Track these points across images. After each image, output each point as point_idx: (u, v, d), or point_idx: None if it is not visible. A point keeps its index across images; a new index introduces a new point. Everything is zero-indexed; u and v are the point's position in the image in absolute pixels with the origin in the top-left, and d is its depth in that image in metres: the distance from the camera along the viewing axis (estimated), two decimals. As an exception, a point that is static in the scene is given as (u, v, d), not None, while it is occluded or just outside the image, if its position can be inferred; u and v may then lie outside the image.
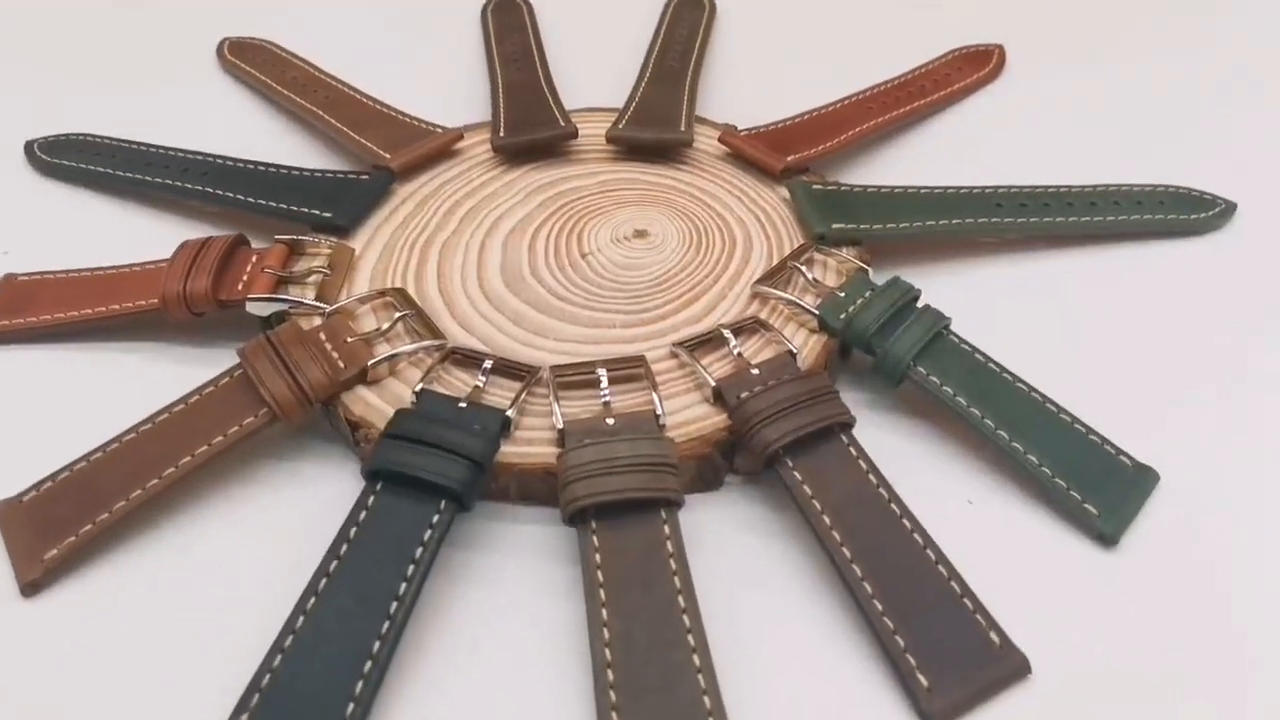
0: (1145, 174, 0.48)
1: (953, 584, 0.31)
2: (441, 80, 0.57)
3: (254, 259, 0.40)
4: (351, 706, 0.28)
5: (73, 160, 0.50)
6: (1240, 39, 0.59)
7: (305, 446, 0.37)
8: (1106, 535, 0.33)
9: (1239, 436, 0.37)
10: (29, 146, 0.51)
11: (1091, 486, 0.34)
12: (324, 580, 0.31)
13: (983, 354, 0.37)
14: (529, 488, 0.35)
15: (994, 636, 0.30)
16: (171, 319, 0.39)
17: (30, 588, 0.32)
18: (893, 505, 0.33)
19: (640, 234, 0.43)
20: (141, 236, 0.46)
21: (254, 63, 0.56)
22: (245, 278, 0.40)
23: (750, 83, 0.56)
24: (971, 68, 0.56)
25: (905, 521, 0.32)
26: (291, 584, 0.31)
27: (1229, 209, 0.46)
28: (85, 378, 0.40)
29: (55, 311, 0.41)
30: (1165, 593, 0.32)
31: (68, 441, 0.35)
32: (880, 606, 0.30)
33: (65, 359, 0.41)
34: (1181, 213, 0.46)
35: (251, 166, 0.46)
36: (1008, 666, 0.30)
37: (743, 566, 0.33)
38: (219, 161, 0.47)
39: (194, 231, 0.44)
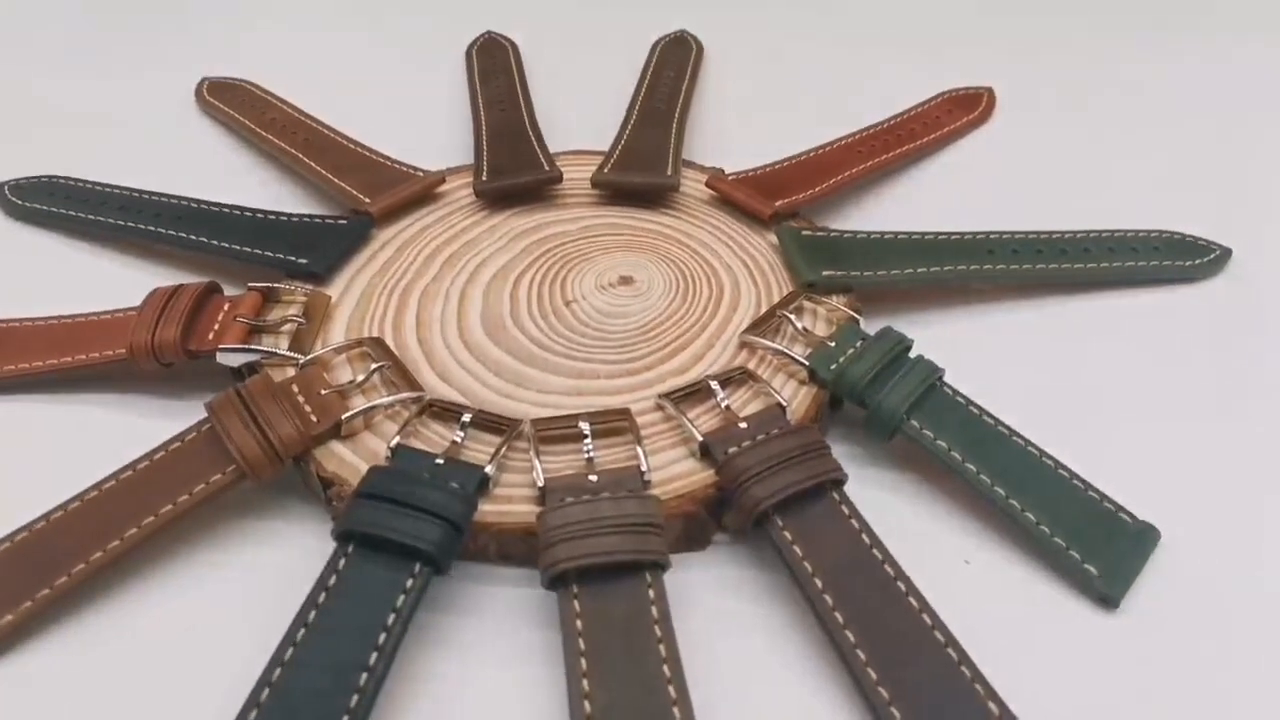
0: (1139, 219, 0.47)
1: (949, 650, 0.30)
2: (424, 122, 0.56)
3: (226, 307, 0.39)
4: (317, 787, 0.27)
5: (44, 204, 0.49)
6: (1232, 83, 0.59)
7: (277, 504, 0.36)
8: (1108, 597, 0.32)
9: (1240, 490, 0.36)
10: None
11: (1091, 546, 0.33)
12: (290, 649, 0.29)
13: (977, 406, 0.36)
14: (508, 547, 0.33)
15: (993, 707, 0.29)
16: (140, 370, 0.38)
17: (-18, 656, 0.31)
18: (887, 567, 0.32)
19: (625, 281, 0.42)
20: (114, 283, 0.44)
21: (233, 103, 0.55)
22: (217, 327, 0.38)
23: (738, 125, 0.56)
24: (962, 110, 0.55)
25: (900, 584, 0.31)
26: (259, 651, 0.30)
27: (1224, 255, 0.46)
28: (49, 432, 0.38)
29: (19, 362, 0.40)
30: (1168, 656, 0.31)
31: (27, 500, 0.34)
32: (875, 675, 0.29)
33: (29, 412, 0.39)
34: (1176, 259, 0.45)
35: (226, 210, 0.45)
36: (1008, 739, 0.28)
37: (731, 630, 0.32)
38: (193, 205, 0.46)
39: (168, 278, 0.43)
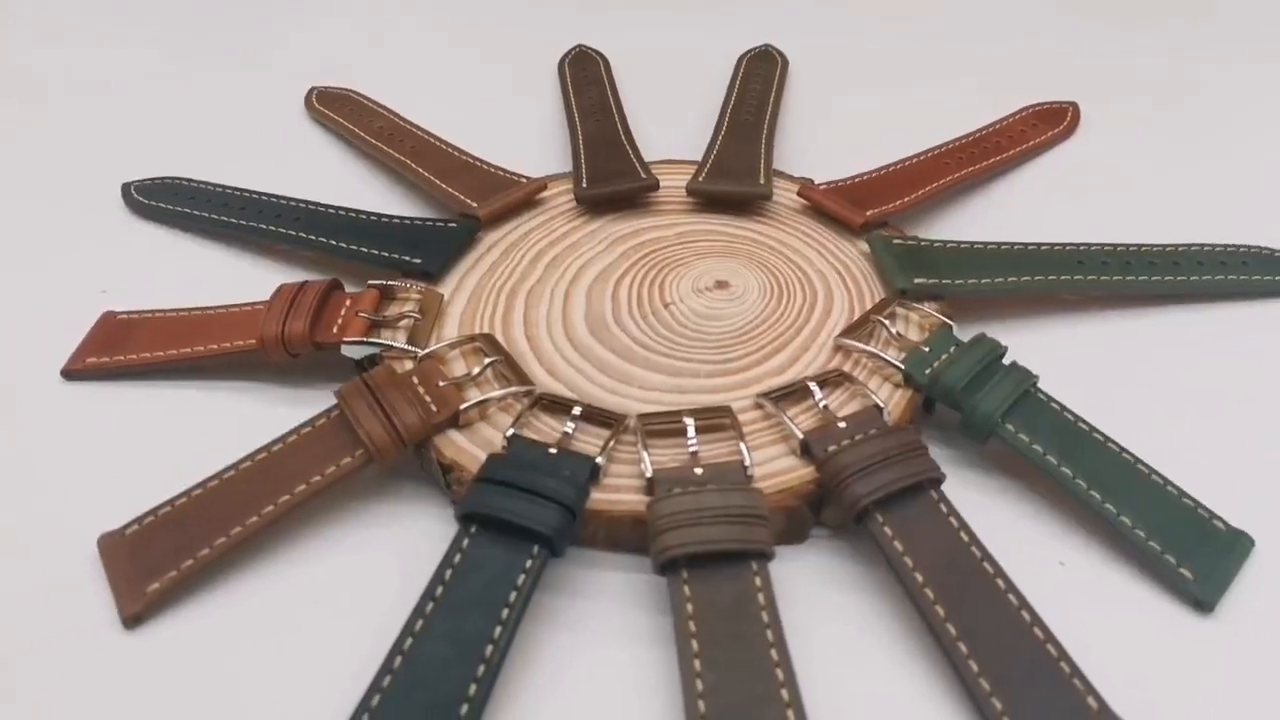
0: (1227, 234, 0.47)
1: (1049, 647, 0.31)
2: (517, 131, 0.58)
3: (348, 303, 0.41)
4: (449, 749, 0.29)
5: (167, 203, 0.52)
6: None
7: (395, 488, 0.38)
8: (1203, 601, 0.33)
9: (1335, 502, 0.36)
10: (125, 189, 0.53)
11: (1186, 551, 0.34)
12: (420, 621, 0.31)
13: (1071, 413, 0.37)
14: (616, 534, 0.35)
15: (1091, 701, 0.30)
16: (268, 359, 0.41)
17: (132, 620, 0.33)
18: (985, 564, 0.33)
19: (721, 285, 0.44)
20: (232, 278, 0.47)
21: (342, 112, 0.58)
22: (340, 321, 0.41)
23: (823, 137, 0.57)
24: (1047, 124, 0.56)
25: (999, 581, 0.32)
26: (384, 624, 0.32)
27: (1314, 270, 0.46)
28: (181, 415, 0.41)
29: (154, 350, 0.42)
30: (1261, 659, 0.32)
31: (164, 477, 0.36)
32: (976, 668, 0.30)
33: (161, 396, 0.42)
34: (1264, 274, 0.45)
35: (342, 212, 0.48)
36: (1107, 733, 0.29)
37: (831, 622, 0.33)
38: (310, 207, 0.49)
39: (283, 275, 0.46)
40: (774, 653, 0.30)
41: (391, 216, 0.47)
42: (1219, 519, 0.35)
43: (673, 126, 0.56)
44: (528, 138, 0.57)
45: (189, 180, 0.53)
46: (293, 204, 0.49)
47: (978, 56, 0.65)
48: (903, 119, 0.58)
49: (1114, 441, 0.36)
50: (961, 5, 0.70)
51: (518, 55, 0.65)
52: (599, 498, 0.35)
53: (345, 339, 0.40)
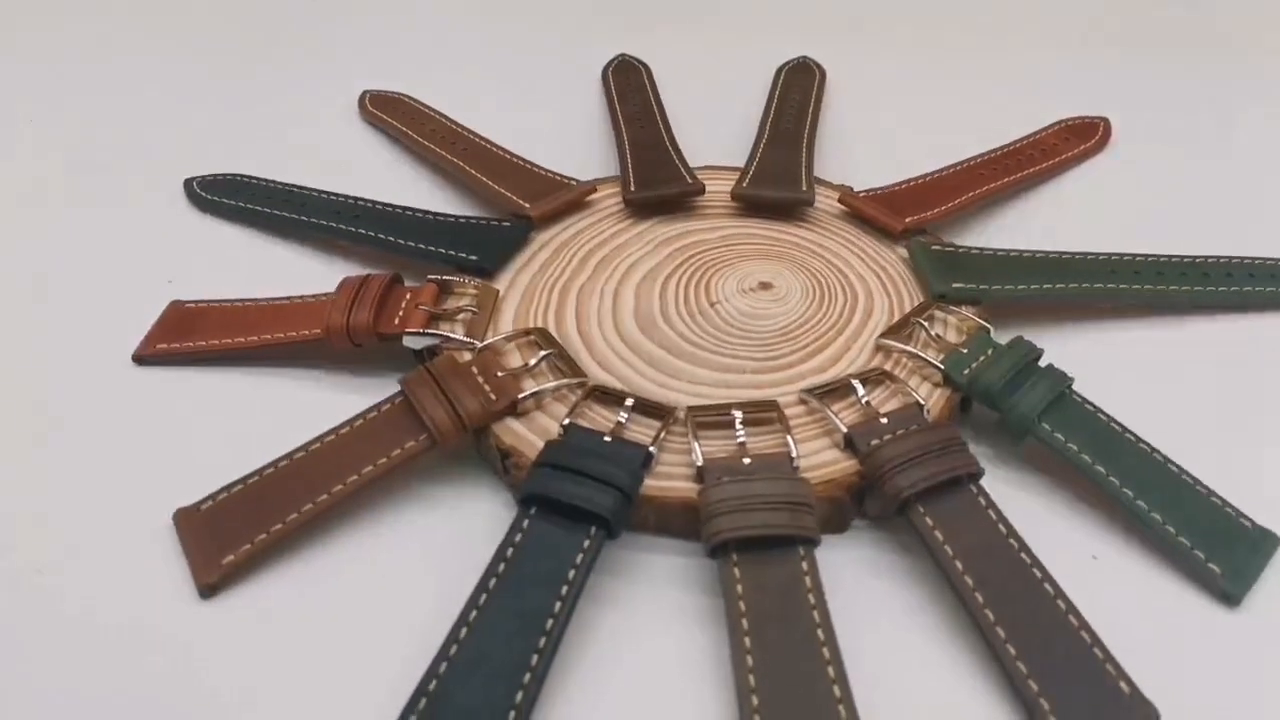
0: (1254, 248, 0.49)
1: (1083, 634, 0.32)
2: (561, 136, 0.60)
3: (408, 296, 0.43)
4: (513, 715, 0.30)
5: (229, 198, 0.54)
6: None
7: (453, 472, 0.40)
8: (1230, 595, 0.34)
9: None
10: (188, 184, 0.55)
11: (1214, 547, 0.35)
12: (484, 595, 0.33)
13: (1105, 414, 0.39)
14: (667, 520, 0.37)
15: (1124, 686, 0.31)
16: (333, 348, 0.42)
17: (208, 590, 0.35)
18: (1023, 555, 0.34)
19: (765, 286, 0.45)
20: (291, 271, 0.49)
21: (395, 115, 0.60)
22: (401, 313, 0.43)
23: (859, 147, 0.59)
24: (1078, 139, 0.58)
25: (1035, 571, 0.34)
26: (447, 598, 0.33)
27: (1345, 284, 0.47)
28: (248, 399, 0.43)
29: (222, 337, 0.44)
30: (1292, 654, 0.33)
31: (234, 457, 0.38)
32: (1014, 651, 0.32)
33: (228, 381, 0.44)
34: (1294, 286, 0.47)
35: (399, 210, 0.50)
36: (1138, 715, 0.31)
37: (873, 607, 0.35)
38: (367, 204, 0.51)
39: (341, 269, 0.48)
40: (820, 633, 0.32)
41: (448, 215, 0.49)
42: (1246, 518, 0.36)
43: (713, 134, 0.58)
44: (573, 143, 0.59)
45: (250, 177, 0.55)
46: (351, 201, 0.51)
47: (1010, 71, 0.66)
48: (937, 131, 0.59)
49: (1146, 442, 0.38)
50: (994, 21, 0.72)
51: (562, 63, 0.67)
52: (651, 484, 0.36)
53: (407, 330, 0.42)
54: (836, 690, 0.31)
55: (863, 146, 0.59)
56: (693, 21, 0.73)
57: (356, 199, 0.51)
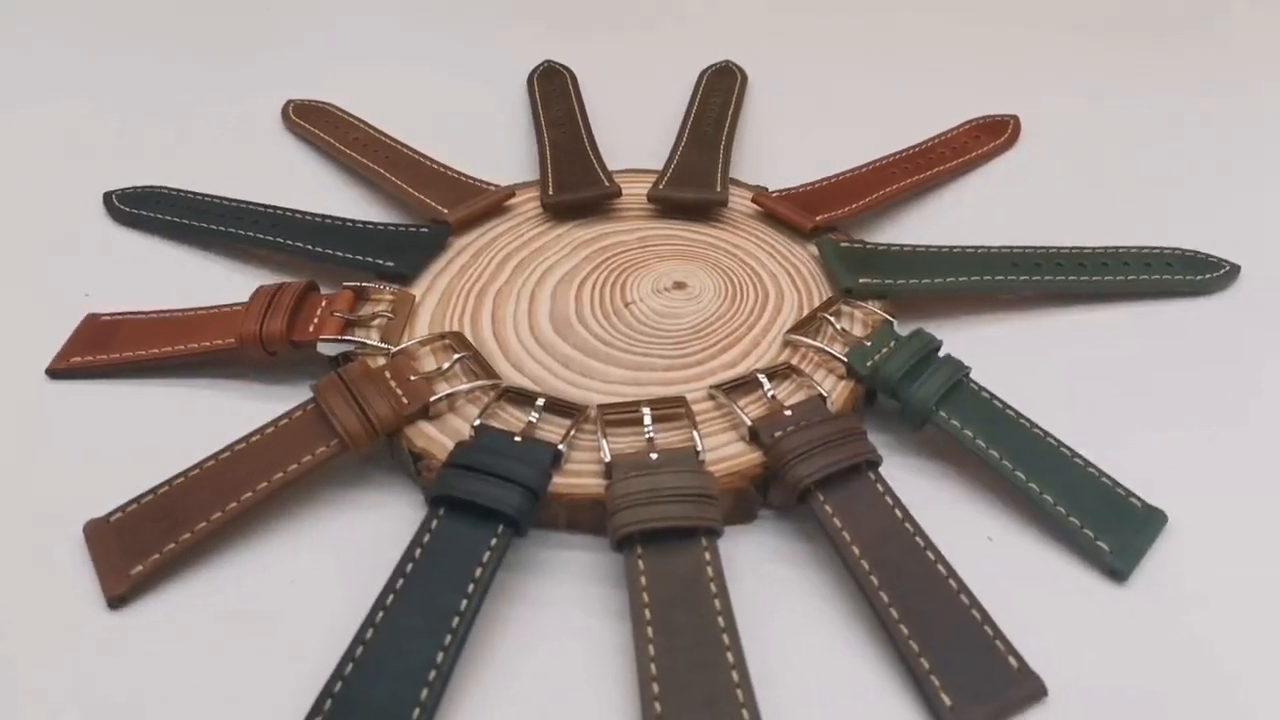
0: (1154, 237, 0.51)
1: (974, 612, 0.33)
2: (487, 142, 0.60)
3: (323, 303, 0.44)
4: (417, 712, 0.31)
5: (149, 210, 0.53)
6: (1244, 115, 0.63)
7: (367, 476, 0.40)
8: (1118, 571, 0.36)
9: (1239, 482, 0.39)
10: (107, 197, 0.55)
11: (1104, 525, 0.36)
12: (391, 596, 0.33)
13: (1000, 400, 0.40)
14: (577, 516, 0.37)
15: (1013, 661, 0.32)
16: (246, 358, 0.43)
17: (117, 601, 0.35)
18: (918, 539, 0.35)
19: (679, 285, 0.46)
20: (211, 282, 0.49)
21: (318, 124, 0.60)
22: (316, 320, 0.43)
23: (778, 147, 0.60)
24: (989, 136, 0.59)
25: (929, 554, 0.35)
26: (357, 600, 0.34)
27: (1233, 271, 0.49)
28: (162, 410, 0.43)
29: (136, 349, 0.44)
30: (1171, 624, 0.34)
31: (147, 469, 0.38)
32: (906, 631, 0.33)
33: (143, 393, 0.44)
34: (1188, 274, 0.49)
35: (318, 219, 0.50)
36: (1026, 689, 0.32)
37: (776, 594, 0.36)
38: (287, 214, 0.51)
39: (260, 279, 0.48)
40: (721, 620, 0.33)
41: (366, 222, 0.50)
42: (1136, 497, 0.38)
43: (638, 138, 0.59)
44: (499, 149, 0.60)
45: (169, 189, 0.55)
46: (270, 210, 0.51)
47: (925, 71, 0.68)
48: (856, 132, 0.60)
49: (1039, 427, 0.39)
50: (910, 24, 0.73)
51: (489, 71, 0.67)
52: (561, 482, 0.37)
53: (321, 337, 0.42)
54: (735, 675, 0.32)
55: (783, 148, 0.60)
56: (620, 27, 0.74)
57: (275, 208, 0.51)
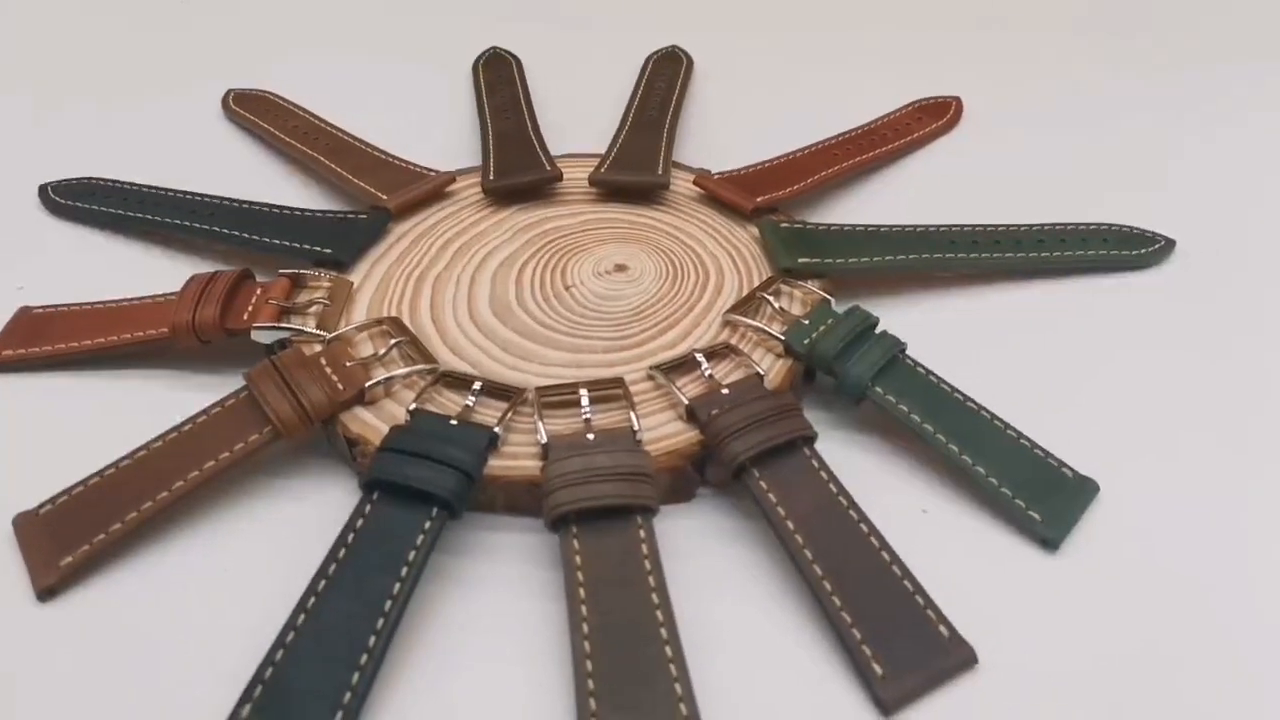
0: (1091, 214, 0.51)
1: (905, 583, 0.34)
2: (436, 129, 0.60)
3: (259, 291, 0.43)
4: (348, 696, 0.30)
5: (84, 202, 0.53)
6: (1179, 94, 0.63)
7: (304, 464, 0.40)
8: (1049, 540, 0.36)
9: (1171, 451, 0.40)
10: (42, 189, 0.54)
11: (1036, 496, 0.37)
12: (323, 581, 0.33)
13: (935, 375, 0.40)
14: (514, 499, 0.37)
15: (943, 630, 0.33)
16: (180, 347, 0.42)
17: (46, 593, 0.34)
18: (851, 512, 0.35)
19: (620, 268, 0.46)
20: (149, 273, 0.48)
21: (258, 112, 0.59)
22: (251, 308, 0.42)
23: (724, 131, 0.60)
24: (931, 117, 0.60)
25: (863, 526, 0.35)
26: (292, 587, 0.33)
27: (1168, 246, 0.50)
28: (97, 402, 0.42)
29: (69, 341, 0.44)
30: (1102, 591, 0.35)
31: (81, 460, 0.38)
32: (839, 602, 0.33)
33: (78, 385, 0.43)
34: (1124, 249, 0.49)
35: (256, 207, 0.50)
36: (956, 657, 0.32)
37: (712, 571, 0.36)
38: (225, 203, 0.50)
39: (201, 268, 0.47)
40: (655, 597, 0.33)
41: (304, 210, 0.49)
42: (1068, 467, 0.38)
43: (584, 123, 0.59)
44: (445, 136, 0.59)
45: (106, 180, 0.54)
46: (208, 200, 0.50)
47: (869, 54, 0.69)
48: (802, 114, 0.61)
49: (973, 401, 0.40)
50: (854, 7, 0.74)
51: (436, 58, 0.67)
52: (498, 464, 0.37)
53: (255, 324, 0.42)
54: (669, 651, 0.32)
55: (728, 131, 0.60)
56: (569, 13, 0.74)
57: (211, 197, 0.50)
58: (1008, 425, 0.39)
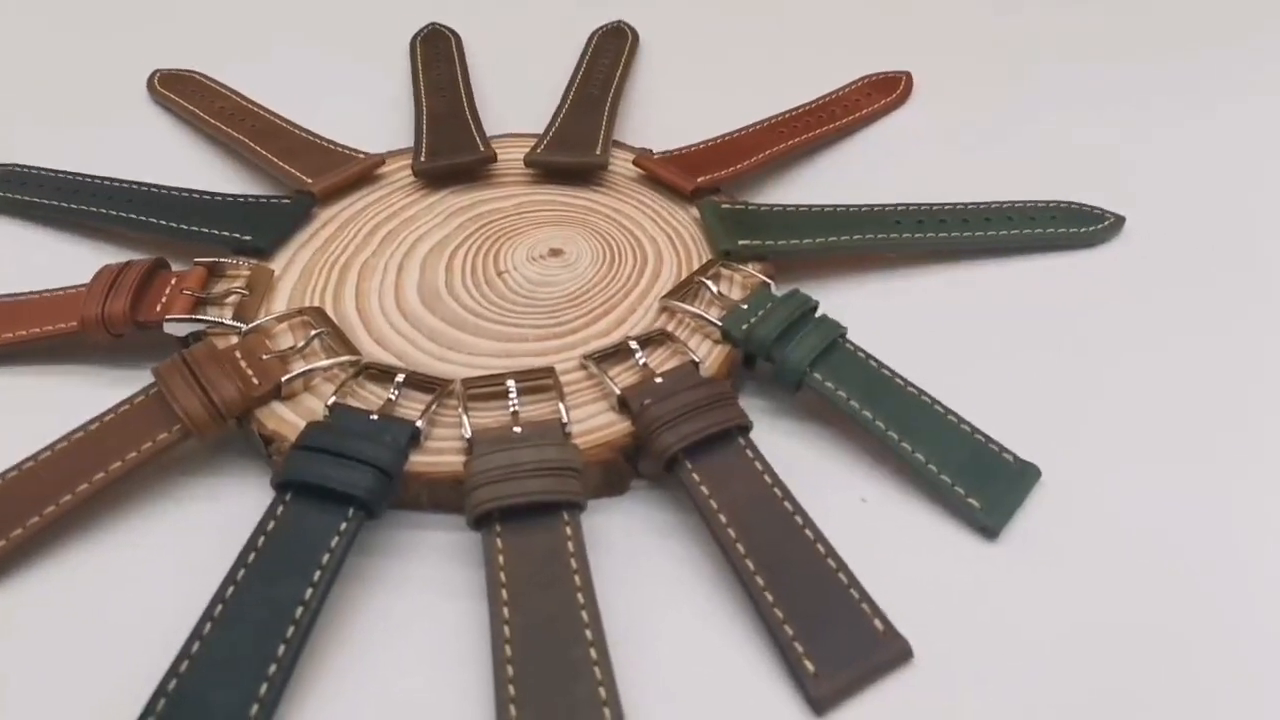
0: (1041, 191, 0.50)
1: (840, 575, 0.33)
2: (372, 109, 0.58)
3: (173, 281, 0.41)
4: (256, 709, 0.29)
5: (1, 190, 0.50)
6: (1129, 72, 0.62)
7: (221, 463, 0.38)
8: (988, 528, 0.35)
9: (1117, 436, 0.39)
10: (-44, 177, 0.52)
11: (975, 483, 0.36)
12: (231, 588, 0.31)
13: (876, 360, 0.39)
14: (439, 496, 0.36)
15: (878, 624, 0.32)
16: (91, 341, 0.40)
17: (-58, 604, 0.33)
18: (786, 503, 0.34)
19: (555, 253, 0.45)
20: (62, 264, 0.46)
21: (183, 94, 0.57)
22: (164, 299, 0.40)
23: (670, 109, 0.59)
24: (880, 93, 0.58)
25: (798, 518, 0.34)
26: (200, 595, 0.32)
27: (1118, 223, 0.49)
28: (3, 402, 0.40)
29: (-26, 337, 0.42)
30: (1042, 581, 0.34)
31: (-16, 463, 0.36)
32: (771, 598, 0.32)
33: (-16, 383, 0.41)
34: (1072, 226, 0.48)
35: (174, 192, 0.47)
36: (890, 652, 0.31)
37: (645, 567, 0.34)
38: (141, 188, 0.48)
39: (120, 258, 0.45)
40: (580, 596, 0.32)
41: (224, 195, 0.47)
42: (1009, 453, 0.37)
43: (526, 103, 0.57)
44: (381, 118, 0.57)
45: (21, 166, 0.52)
46: (125, 186, 0.48)
47: (819, 30, 0.67)
48: (746, 91, 0.59)
49: (914, 386, 0.38)
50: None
51: (370, 35, 0.65)
52: (420, 460, 0.35)
53: (167, 317, 0.40)
54: (593, 652, 0.30)
55: (674, 109, 0.59)
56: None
57: (130, 183, 0.48)
58: (949, 411, 0.38)
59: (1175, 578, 0.34)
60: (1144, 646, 0.32)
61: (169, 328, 0.40)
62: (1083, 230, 0.48)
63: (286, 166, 0.49)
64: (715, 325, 0.40)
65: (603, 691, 0.29)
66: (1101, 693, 0.31)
